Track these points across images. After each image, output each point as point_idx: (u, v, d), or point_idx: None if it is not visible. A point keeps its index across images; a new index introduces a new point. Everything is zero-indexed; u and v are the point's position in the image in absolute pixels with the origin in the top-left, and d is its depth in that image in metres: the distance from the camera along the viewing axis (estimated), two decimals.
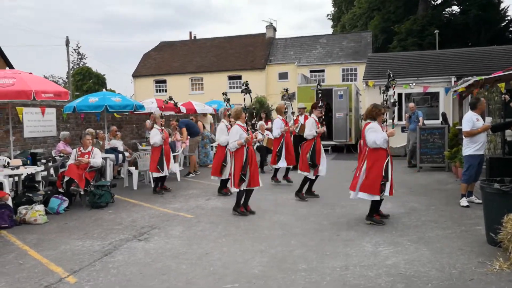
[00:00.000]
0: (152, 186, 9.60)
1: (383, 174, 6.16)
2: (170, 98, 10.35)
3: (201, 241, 5.76)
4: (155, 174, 9.28)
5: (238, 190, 7.07)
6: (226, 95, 8.40)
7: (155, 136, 9.20)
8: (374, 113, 6.41)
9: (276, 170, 10.47)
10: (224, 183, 8.96)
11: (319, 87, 8.57)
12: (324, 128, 8.34)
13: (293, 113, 12.01)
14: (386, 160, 6.22)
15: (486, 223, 5.33)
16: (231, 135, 7.26)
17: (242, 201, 7.24)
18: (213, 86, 33.13)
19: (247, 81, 7.63)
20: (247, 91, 7.43)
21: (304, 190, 8.36)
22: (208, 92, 31.26)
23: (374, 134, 6.21)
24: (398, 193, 8.61)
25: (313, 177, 8.25)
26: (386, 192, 6.24)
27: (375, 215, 6.44)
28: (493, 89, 9.34)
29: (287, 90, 11.40)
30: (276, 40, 36.82)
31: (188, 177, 11.65)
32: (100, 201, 8.00)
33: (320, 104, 8.33)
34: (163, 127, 9.43)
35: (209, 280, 4.42)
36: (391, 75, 6.68)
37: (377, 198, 6.25)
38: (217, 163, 8.90)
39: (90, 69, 39.97)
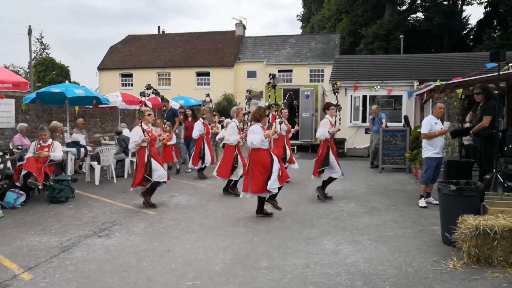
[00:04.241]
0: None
1: (269, 171, 6.53)
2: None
3: (163, 238, 5.70)
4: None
5: (145, 187, 7.48)
6: (250, 93, 8.25)
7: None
8: (258, 116, 6.79)
9: (202, 168, 10.77)
10: (231, 182, 8.60)
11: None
12: (338, 128, 8.23)
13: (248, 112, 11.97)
14: (271, 159, 6.61)
15: (442, 223, 5.51)
16: (131, 137, 7.59)
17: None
18: (180, 82, 32.82)
19: (149, 84, 7.79)
20: (153, 92, 7.69)
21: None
22: (176, 87, 30.93)
23: (253, 135, 6.56)
24: (359, 193, 8.81)
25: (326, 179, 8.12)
26: (275, 189, 6.59)
27: (264, 209, 6.84)
28: (453, 95, 9.67)
29: (208, 95, 11.74)
30: (245, 38, 36.79)
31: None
32: (60, 196, 7.77)
33: (337, 103, 8.15)
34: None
35: (170, 277, 4.37)
36: (275, 75, 7.33)
37: (265, 195, 6.64)
38: (226, 164, 8.41)
39: (54, 60, 38.68)
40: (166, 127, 9.99)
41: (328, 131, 7.98)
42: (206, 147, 10.68)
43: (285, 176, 6.93)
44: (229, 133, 8.59)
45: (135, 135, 7.41)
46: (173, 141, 11.11)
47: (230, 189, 8.65)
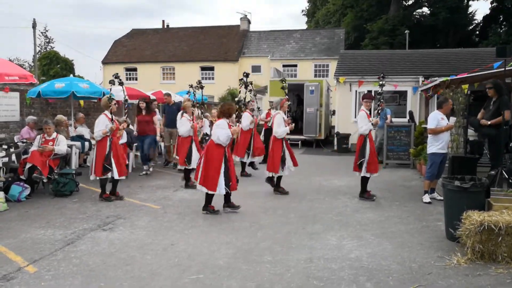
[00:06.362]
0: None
1: (220, 173, 6.44)
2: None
3: (167, 232, 5.71)
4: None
5: (101, 177, 7.46)
6: (284, 82, 8.23)
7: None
8: (227, 111, 6.69)
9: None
10: (280, 178, 8.30)
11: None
12: (378, 120, 8.10)
13: (258, 108, 11.69)
14: (224, 159, 6.50)
15: (446, 219, 5.50)
16: (97, 125, 7.52)
17: (107, 188, 7.64)
18: (185, 76, 32.76)
19: (117, 73, 7.77)
20: (118, 83, 7.91)
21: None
22: (180, 82, 30.92)
23: (220, 130, 6.49)
24: None
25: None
26: (223, 190, 6.49)
27: (210, 205, 6.70)
28: (458, 90, 9.61)
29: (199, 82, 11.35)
30: (250, 32, 36.72)
31: (167, 166, 11.59)
32: (64, 189, 7.80)
33: (380, 91, 7.82)
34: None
35: (174, 271, 4.39)
36: (248, 74, 7.70)
37: (212, 193, 6.53)
38: (275, 159, 8.02)
39: (58, 54, 38.68)
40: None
41: (372, 123, 7.68)
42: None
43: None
44: (278, 124, 8.03)
45: (101, 124, 7.41)
46: (124, 139, 9.85)
47: (276, 188, 8.29)
